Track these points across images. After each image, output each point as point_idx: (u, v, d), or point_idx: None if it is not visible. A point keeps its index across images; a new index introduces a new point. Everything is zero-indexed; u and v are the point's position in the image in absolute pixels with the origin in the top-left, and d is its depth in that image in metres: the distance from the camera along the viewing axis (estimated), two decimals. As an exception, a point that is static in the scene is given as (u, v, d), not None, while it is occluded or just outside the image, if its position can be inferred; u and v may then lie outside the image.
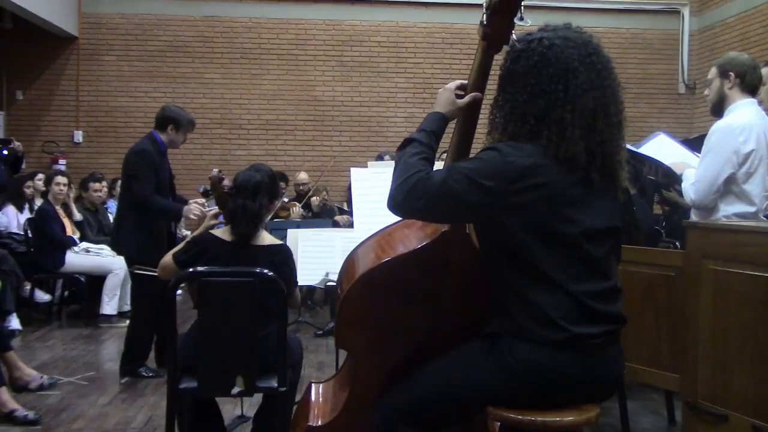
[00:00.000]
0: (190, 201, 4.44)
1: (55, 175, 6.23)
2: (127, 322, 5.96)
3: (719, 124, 3.15)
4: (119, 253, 4.81)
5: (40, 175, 6.86)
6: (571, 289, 1.77)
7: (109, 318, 6.03)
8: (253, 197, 2.87)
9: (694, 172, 3.23)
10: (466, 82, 1.97)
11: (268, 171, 3.03)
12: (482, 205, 1.76)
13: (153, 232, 4.35)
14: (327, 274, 3.50)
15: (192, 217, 4.39)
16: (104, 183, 7.10)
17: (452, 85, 1.97)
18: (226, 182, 3.16)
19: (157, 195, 4.32)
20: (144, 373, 4.42)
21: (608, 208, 1.87)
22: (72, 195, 6.59)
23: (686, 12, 9.37)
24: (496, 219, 1.79)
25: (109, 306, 6.05)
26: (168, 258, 2.91)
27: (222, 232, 2.91)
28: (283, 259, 2.91)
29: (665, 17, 9.44)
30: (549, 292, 1.78)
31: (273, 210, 3.15)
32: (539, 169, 1.76)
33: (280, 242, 3.03)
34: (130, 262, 4.56)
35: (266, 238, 2.95)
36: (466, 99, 1.93)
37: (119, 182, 7.62)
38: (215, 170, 3.05)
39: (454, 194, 1.75)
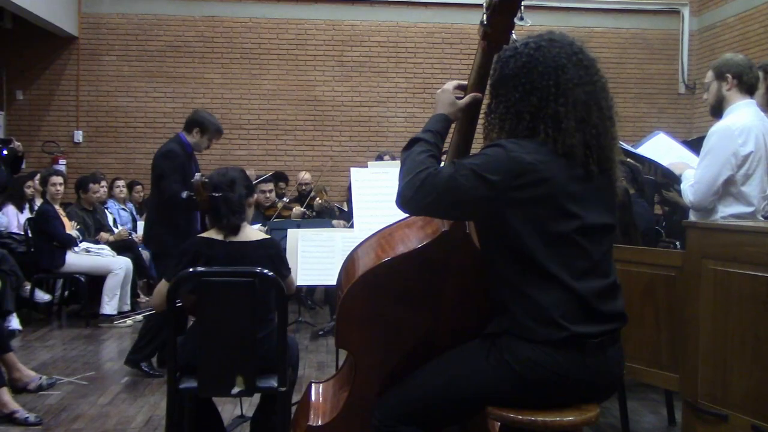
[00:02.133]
0: None
1: (50, 176, 6.21)
2: (128, 321, 6.02)
3: (718, 126, 3.15)
4: (148, 247, 4.94)
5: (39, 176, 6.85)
6: (571, 287, 1.78)
7: (109, 318, 6.03)
8: (232, 189, 2.93)
9: (693, 173, 3.23)
10: (464, 82, 1.98)
11: (239, 168, 3.12)
12: (488, 200, 1.77)
13: (179, 230, 4.43)
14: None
15: None
16: (103, 183, 7.10)
17: (450, 86, 1.98)
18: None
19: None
20: (145, 368, 4.46)
21: (606, 203, 1.89)
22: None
23: (686, 12, 9.37)
24: (499, 215, 1.79)
25: (109, 306, 6.06)
26: (162, 285, 2.88)
27: (210, 233, 2.92)
28: (276, 251, 2.98)
29: (665, 17, 9.44)
30: (549, 290, 1.78)
31: (252, 205, 3.17)
32: (542, 165, 1.78)
33: (268, 236, 3.09)
34: (155, 257, 4.72)
35: (255, 234, 2.99)
36: (467, 99, 1.94)
37: (119, 182, 7.72)
38: (197, 175, 3.06)
39: (462, 189, 1.76)
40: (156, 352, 4.54)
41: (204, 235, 2.93)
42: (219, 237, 2.88)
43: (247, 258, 2.81)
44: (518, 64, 1.86)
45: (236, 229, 2.89)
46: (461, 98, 1.95)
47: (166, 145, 4.64)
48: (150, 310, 4.19)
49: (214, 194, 2.92)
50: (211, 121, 4.65)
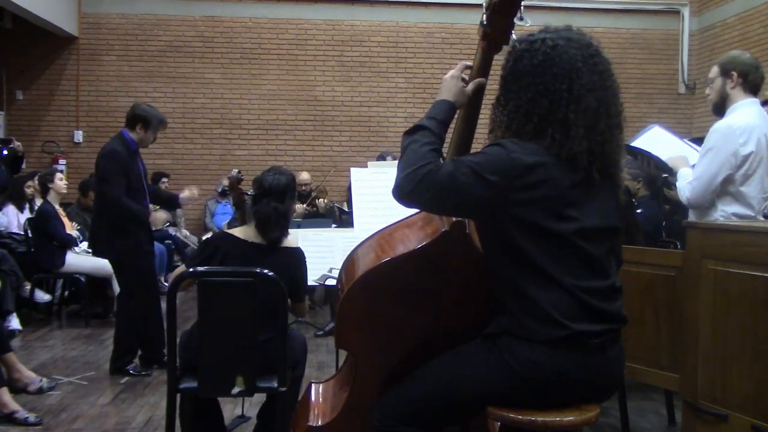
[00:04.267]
0: (153, 211, 4.69)
1: (53, 173, 6.23)
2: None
3: (720, 124, 3.12)
4: (98, 255, 4.93)
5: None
6: (570, 287, 1.77)
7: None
8: (282, 200, 2.89)
9: (690, 171, 3.22)
10: (470, 63, 1.96)
11: (291, 175, 3.04)
12: (486, 200, 1.76)
13: (129, 233, 4.40)
14: (330, 270, 3.49)
15: (156, 226, 4.66)
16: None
17: (457, 71, 1.95)
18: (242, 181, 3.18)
19: (127, 197, 4.34)
20: (132, 371, 4.46)
21: (608, 207, 1.87)
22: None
23: (686, 12, 9.37)
24: (498, 215, 1.79)
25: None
26: (181, 267, 2.96)
27: (240, 231, 2.92)
28: (297, 261, 2.94)
29: (665, 17, 9.44)
30: (549, 289, 1.78)
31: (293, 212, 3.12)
32: (542, 167, 1.77)
33: (297, 246, 3.02)
34: (112, 263, 4.68)
35: (285, 241, 2.95)
36: (472, 86, 1.93)
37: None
38: (235, 170, 3.04)
39: (461, 188, 1.75)
40: (136, 351, 4.57)
41: (231, 231, 2.93)
42: (244, 236, 2.88)
43: (265, 263, 2.75)
44: (534, 62, 1.82)
45: (278, 243, 2.85)
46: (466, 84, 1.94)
47: (109, 144, 4.50)
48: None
49: (247, 192, 2.90)
50: (154, 114, 4.52)
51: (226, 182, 3.19)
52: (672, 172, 3.35)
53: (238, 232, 2.93)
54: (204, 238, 3.07)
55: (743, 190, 3.07)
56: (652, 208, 5.12)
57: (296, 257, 2.95)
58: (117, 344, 4.55)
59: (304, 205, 7.00)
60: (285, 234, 2.88)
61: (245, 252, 2.84)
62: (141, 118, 4.46)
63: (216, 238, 2.93)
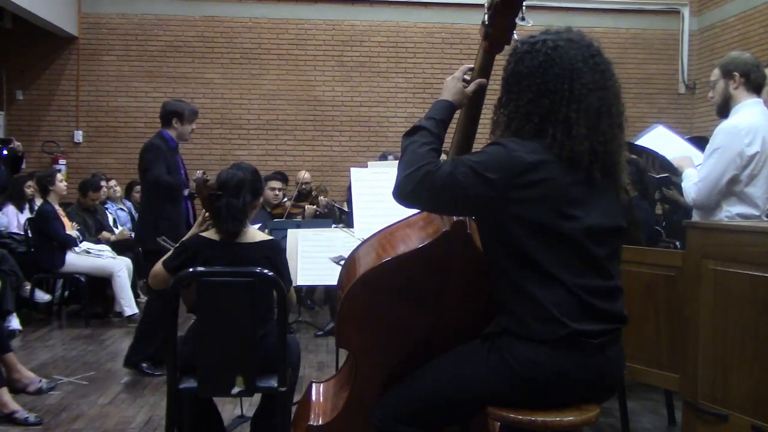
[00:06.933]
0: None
1: (52, 174, 6.23)
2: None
3: (725, 125, 3.12)
4: (142, 244, 4.94)
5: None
6: (571, 285, 1.77)
7: (132, 318, 5.95)
8: (237, 194, 2.89)
9: (695, 172, 3.22)
10: (472, 66, 1.97)
11: (251, 168, 3.07)
12: (486, 199, 1.77)
13: (173, 228, 4.41)
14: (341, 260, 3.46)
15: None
16: (103, 191, 7.09)
17: (459, 73, 1.98)
18: (211, 183, 3.16)
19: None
20: (146, 369, 4.46)
21: (610, 206, 1.87)
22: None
23: (686, 12, 9.37)
24: (498, 214, 1.79)
25: (129, 307, 5.99)
26: (159, 266, 2.89)
27: (212, 233, 2.91)
28: (277, 253, 2.93)
29: (665, 17, 9.44)
30: (550, 288, 1.78)
31: (257, 207, 3.13)
32: (543, 166, 1.77)
33: (270, 237, 3.03)
34: (149, 255, 4.67)
35: (256, 235, 2.96)
36: (472, 86, 1.94)
37: (111, 182, 7.69)
38: (199, 173, 3.04)
39: (460, 187, 1.75)
40: (153, 350, 4.55)
41: (205, 234, 2.92)
42: (218, 238, 2.87)
43: (246, 260, 2.79)
44: (534, 63, 1.83)
45: (234, 236, 2.87)
46: (468, 85, 1.95)
47: (149, 140, 4.69)
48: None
49: (215, 193, 2.90)
50: (185, 106, 4.68)
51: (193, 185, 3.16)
52: (677, 172, 3.36)
53: (211, 234, 2.91)
54: (182, 240, 3.04)
55: (748, 190, 3.06)
56: (642, 208, 5.11)
57: (275, 249, 2.94)
58: (138, 336, 4.54)
59: (314, 207, 7.00)
60: (239, 228, 2.86)
61: (223, 253, 2.82)
62: (174, 113, 4.61)
63: (192, 242, 2.91)
